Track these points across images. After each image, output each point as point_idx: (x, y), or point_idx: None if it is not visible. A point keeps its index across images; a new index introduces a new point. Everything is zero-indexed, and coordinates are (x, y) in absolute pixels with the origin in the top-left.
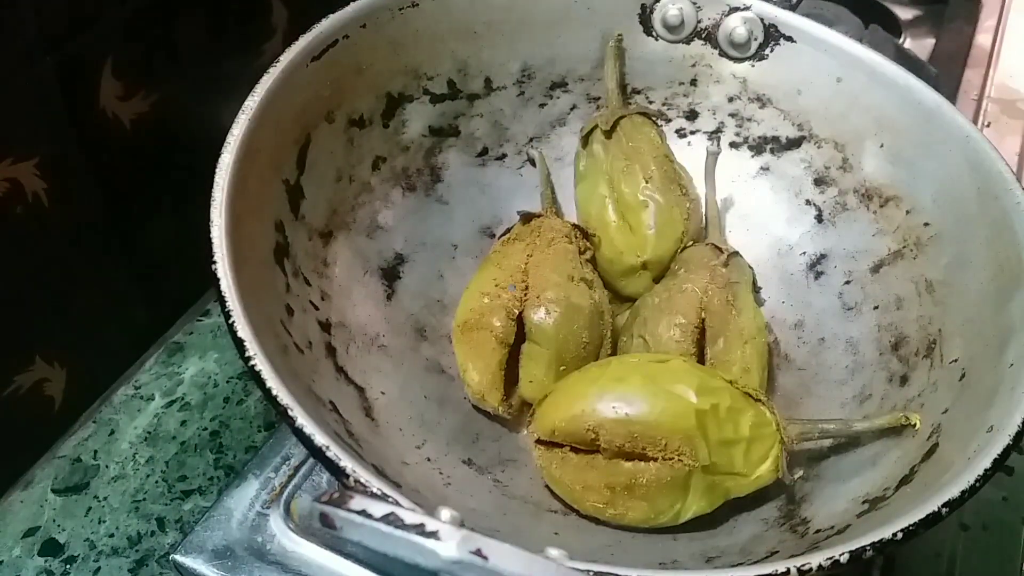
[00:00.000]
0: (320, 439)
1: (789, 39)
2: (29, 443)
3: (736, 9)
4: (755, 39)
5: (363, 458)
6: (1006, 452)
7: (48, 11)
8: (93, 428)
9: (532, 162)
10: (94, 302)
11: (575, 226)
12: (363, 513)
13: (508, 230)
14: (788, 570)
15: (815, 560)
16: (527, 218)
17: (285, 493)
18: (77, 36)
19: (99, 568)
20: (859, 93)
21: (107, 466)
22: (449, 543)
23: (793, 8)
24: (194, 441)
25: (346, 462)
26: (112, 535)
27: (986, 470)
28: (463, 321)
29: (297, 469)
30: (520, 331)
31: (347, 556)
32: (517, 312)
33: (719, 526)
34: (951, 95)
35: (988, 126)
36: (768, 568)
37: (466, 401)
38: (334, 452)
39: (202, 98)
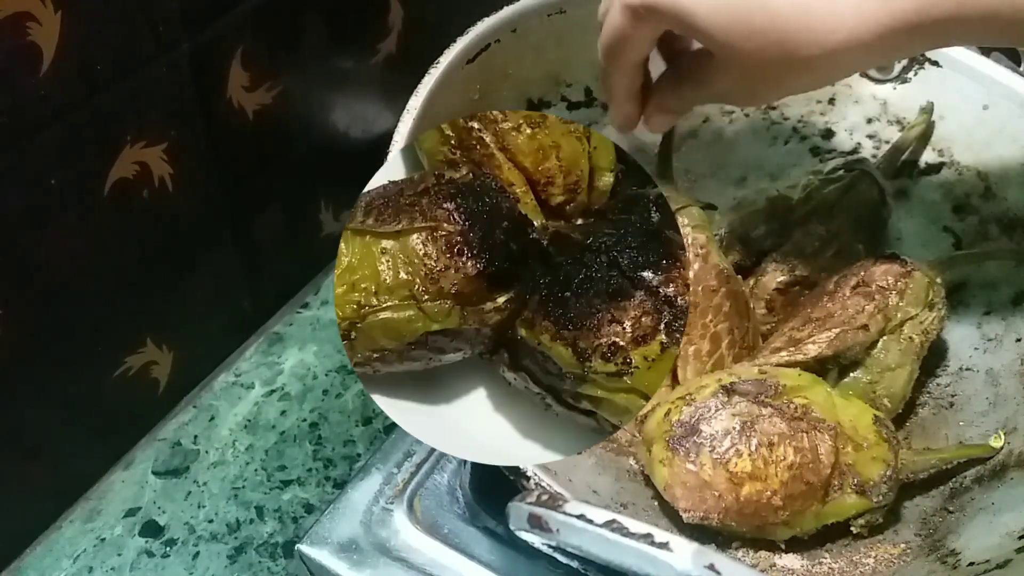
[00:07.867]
0: None
1: (935, 64)
2: (132, 424)
3: None
4: (899, 62)
5: None
6: None
7: None
8: (194, 413)
9: None
10: (204, 288)
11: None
12: (582, 518)
13: None
14: None
15: None
16: None
17: (408, 489)
18: (215, 20)
19: (198, 552)
20: (1006, 122)
21: (207, 452)
22: (683, 556)
23: None
24: (293, 432)
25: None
26: (211, 520)
27: None
28: None
29: (420, 466)
30: None
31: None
32: None
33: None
34: None
35: None
36: None
37: None
38: None
39: (318, 94)
